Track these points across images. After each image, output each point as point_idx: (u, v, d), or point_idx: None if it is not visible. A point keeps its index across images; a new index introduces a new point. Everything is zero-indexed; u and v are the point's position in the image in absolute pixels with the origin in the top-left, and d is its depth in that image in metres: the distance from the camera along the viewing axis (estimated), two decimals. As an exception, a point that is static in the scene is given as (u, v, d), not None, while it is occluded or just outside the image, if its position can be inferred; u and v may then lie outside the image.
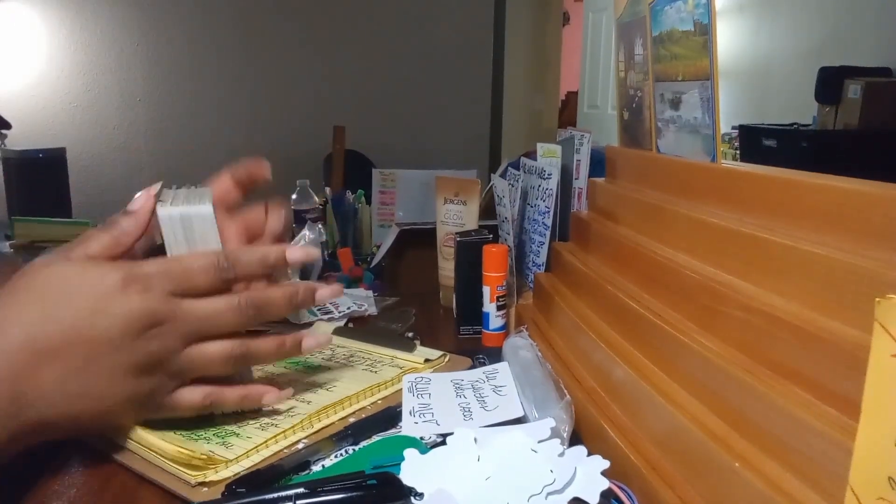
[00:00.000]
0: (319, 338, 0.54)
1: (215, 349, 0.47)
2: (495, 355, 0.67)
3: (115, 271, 0.43)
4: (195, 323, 0.45)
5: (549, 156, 0.86)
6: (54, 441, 0.51)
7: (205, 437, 0.50)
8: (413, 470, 0.44)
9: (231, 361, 0.48)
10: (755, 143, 2.59)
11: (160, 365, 0.45)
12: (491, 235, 0.78)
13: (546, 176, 0.82)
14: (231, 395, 0.50)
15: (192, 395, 0.47)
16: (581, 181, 0.85)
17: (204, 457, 0.45)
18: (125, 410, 0.46)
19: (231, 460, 0.47)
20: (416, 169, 1.24)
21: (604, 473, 0.42)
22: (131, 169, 2.74)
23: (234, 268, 0.47)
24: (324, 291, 0.52)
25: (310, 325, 0.79)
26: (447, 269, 0.87)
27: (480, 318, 0.75)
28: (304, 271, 1.00)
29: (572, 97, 4.84)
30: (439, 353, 0.68)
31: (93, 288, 0.43)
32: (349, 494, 0.40)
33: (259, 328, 0.55)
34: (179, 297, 0.45)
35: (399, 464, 0.44)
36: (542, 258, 0.82)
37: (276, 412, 0.54)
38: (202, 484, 0.44)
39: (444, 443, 0.47)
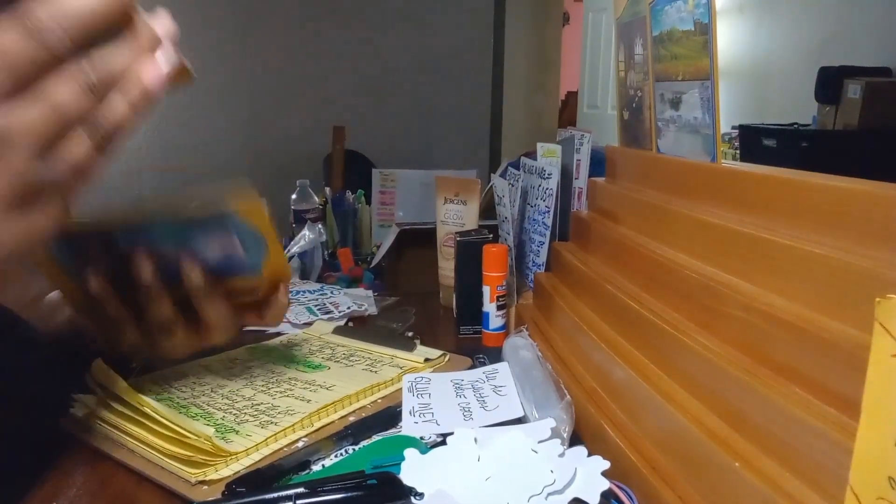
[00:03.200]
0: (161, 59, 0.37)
1: (72, 143, 0.35)
2: (495, 355, 0.67)
3: None
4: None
5: (549, 156, 0.86)
6: (54, 441, 0.51)
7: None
8: (413, 470, 0.44)
9: (96, 148, 0.35)
10: (755, 143, 2.59)
11: None
12: (491, 235, 0.78)
13: (546, 176, 0.82)
14: (115, 107, 0.36)
15: (72, 145, 0.35)
16: (581, 181, 0.85)
17: (208, 442, 0.45)
18: None
19: (232, 454, 0.47)
20: (416, 169, 1.24)
21: (604, 474, 0.42)
22: (130, 169, 2.74)
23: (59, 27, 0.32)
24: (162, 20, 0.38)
25: (310, 324, 0.79)
26: (447, 269, 0.87)
27: (480, 318, 0.75)
28: (305, 271, 1.00)
29: (572, 97, 4.84)
30: (439, 352, 0.68)
31: None
32: (349, 494, 0.40)
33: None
34: None
35: (399, 464, 0.44)
36: (542, 258, 0.82)
37: (275, 408, 0.54)
38: (202, 482, 0.44)
39: (444, 443, 0.47)
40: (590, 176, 0.82)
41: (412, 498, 0.41)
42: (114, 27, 0.35)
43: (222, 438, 0.49)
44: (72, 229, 0.47)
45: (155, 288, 0.49)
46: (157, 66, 0.37)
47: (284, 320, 0.80)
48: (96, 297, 0.50)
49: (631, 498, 0.41)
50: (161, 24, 0.38)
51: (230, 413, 0.54)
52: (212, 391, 0.58)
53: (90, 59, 0.34)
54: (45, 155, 0.34)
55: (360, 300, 0.87)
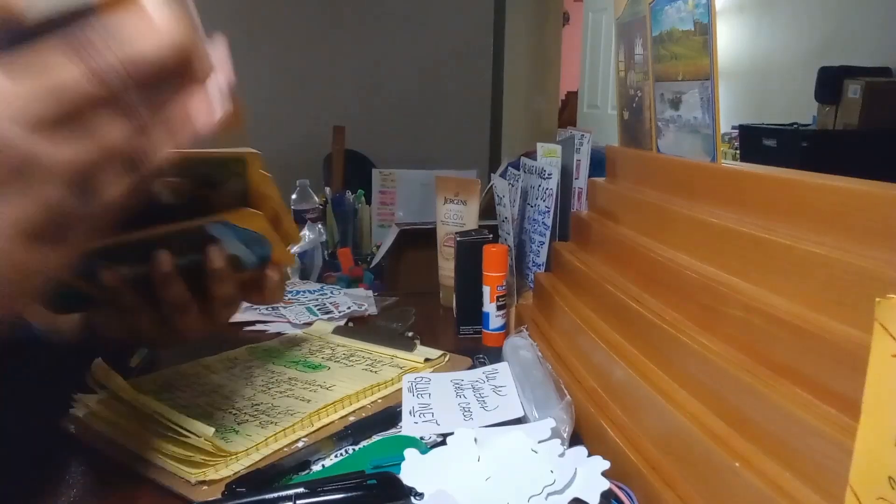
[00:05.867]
0: (212, 98, 0.36)
1: (108, 179, 0.33)
2: (495, 355, 0.67)
3: None
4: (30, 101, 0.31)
5: (549, 156, 0.86)
6: (54, 441, 0.51)
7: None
8: (413, 470, 0.44)
9: (126, 114, 0.33)
10: (755, 143, 2.59)
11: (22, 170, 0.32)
12: (491, 235, 0.78)
13: (546, 176, 0.82)
14: (156, 138, 0.35)
15: (107, 178, 0.33)
16: (581, 181, 0.85)
17: (208, 442, 0.45)
18: (24, 243, 0.33)
19: (232, 454, 0.47)
20: (416, 169, 1.24)
21: (604, 474, 0.42)
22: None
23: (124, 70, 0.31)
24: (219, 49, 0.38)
25: (310, 324, 0.79)
26: (447, 269, 0.87)
27: (480, 318, 0.75)
28: (305, 271, 1.00)
29: (572, 97, 4.84)
30: (439, 352, 0.68)
31: None
32: (349, 494, 0.40)
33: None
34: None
35: (399, 464, 0.44)
36: (542, 258, 0.82)
37: (275, 408, 0.54)
38: (202, 482, 0.44)
39: (444, 443, 0.47)
40: (590, 176, 0.82)
41: (412, 498, 0.41)
42: (177, 69, 0.34)
43: (222, 438, 0.49)
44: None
45: (172, 274, 0.49)
46: (211, 109, 0.36)
47: (284, 320, 0.81)
48: (109, 288, 0.50)
49: (631, 498, 0.41)
50: (220, 57, 0.37)
51: (230, 413, 0.54)
52: (212, 391, 0.58)
53: (146, 98, 0.33)
54: (81, 189, 0.33)
55: (360, 300, 0.87)
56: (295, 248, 0.99)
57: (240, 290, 0.54)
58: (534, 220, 0.85)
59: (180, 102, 0.35)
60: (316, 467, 0.48)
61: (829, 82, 2.47)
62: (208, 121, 0.35)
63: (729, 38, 3.24)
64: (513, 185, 0.86)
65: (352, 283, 0.98)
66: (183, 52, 0.34)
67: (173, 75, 0.34)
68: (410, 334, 0.75)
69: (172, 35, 0.33)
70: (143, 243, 0.48)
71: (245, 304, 0.84)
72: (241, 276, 0.53)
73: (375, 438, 0.52)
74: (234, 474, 0.45)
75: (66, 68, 0.31)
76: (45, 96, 0.31)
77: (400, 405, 0.56)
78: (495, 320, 0.74)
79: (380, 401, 0.58)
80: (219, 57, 0.37)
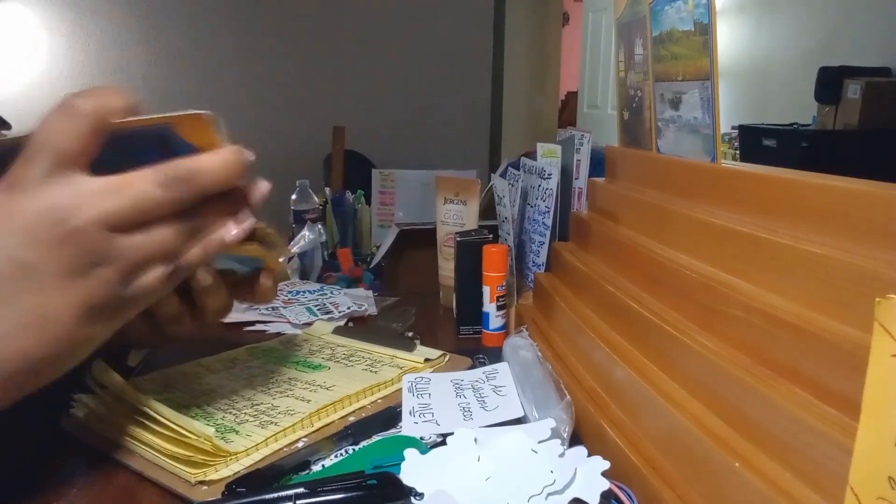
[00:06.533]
0: (240, 220, 0.44)
1: (153, 275, 0.40)
2: (495, 355, 0.67)
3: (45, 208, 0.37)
4: (105, 202, 0.38)
5: (549, 156, 0.86)
6: (54, 441, 0.51)
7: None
8: (413, 470, 0.44)
9: (177, 231, 0.41)
10: (755, 143, 2.59)
11: (94, 261, 0.38)
12: (491, 235, 0.78)
13: (546, 176, 0.82)
14: (194, 252, 0.42)
15: (152, 275, 0.41)
16: (581, 181, 0.85)
17: (208, 442, 0.45)
18: (82, 324, 0.39)
19: (232, 454, 0.47)
20: (416, 169, 1.24)
21: (604, 474, 0.42)
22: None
23: (188, 182, 0.40)
24: (263, 184, 0.46)
25: (310, 324, 0.79)
26: (447, 269, 0.87)
27: (480, 318, 0.75)
28: (304, 271, 1.00)
29: (572, 97, 4.85)
30: (439, 352, 0.68)
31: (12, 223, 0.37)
32: (349, 494, 0.40)
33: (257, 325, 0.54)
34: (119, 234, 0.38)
35: (399, 464, 0.44)
36: (542, 258, 0.82)
37: (275, 408, 0.54)
38: (202, 483, 0.44)
39: (444, 443, 0.47)
40: (590, 176, 0.83)
41: (412, 498, 0.41)
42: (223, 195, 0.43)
43: (222, 438, 0.49)
44: None
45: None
46: (241, 226, 0.44)
47: (284, 320, 0.81)
48: None
49: (631, 498, 0.41)
50: (258, 190, 0.45)
51: (230, 413, 0.54)
52: (212, 391, 0.58)
53: (196, 215, 0.41)
54: (130, 278, 0.40)
55: (360, 300, 0.87)
56: (295, 248, 0.99)
57: (231, 295, 0.54)
58: (534, 220, 0.85)
59: (221, 217, 0.43)
60: (316, 467, 0.48)
61: (829, 82, 2.47)
62: (236, 236, 0.44)
63: (729, 38, 3.24)
64: (513, 185, 0.86)
65: (352, 283, 0.98)
66: (237, 175, 0.42)
67: (220, 202, 0.43)
68: (410, 334, 0.75)
69: (232, 169, 0.42)
70: None
71: (245, 305, 0.84)
72: (234, 282, 0.53)
73: (375, 438, 0.52)
74: (234, 474, 0.45)
75: (146, 182, 0.39)
76: (124, 203, 0.38)
77: (400, 405, 0.56)
78: (495, 320, 0.74)
79: (380, 401, 0.58)
80: (262, 184, 0.46)
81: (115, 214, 0.38)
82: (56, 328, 0.38)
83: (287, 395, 0.57)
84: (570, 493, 0.41)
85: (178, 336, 0.53)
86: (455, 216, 0.87)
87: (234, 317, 0.82)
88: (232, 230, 0.43)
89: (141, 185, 0.39)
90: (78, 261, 0.37)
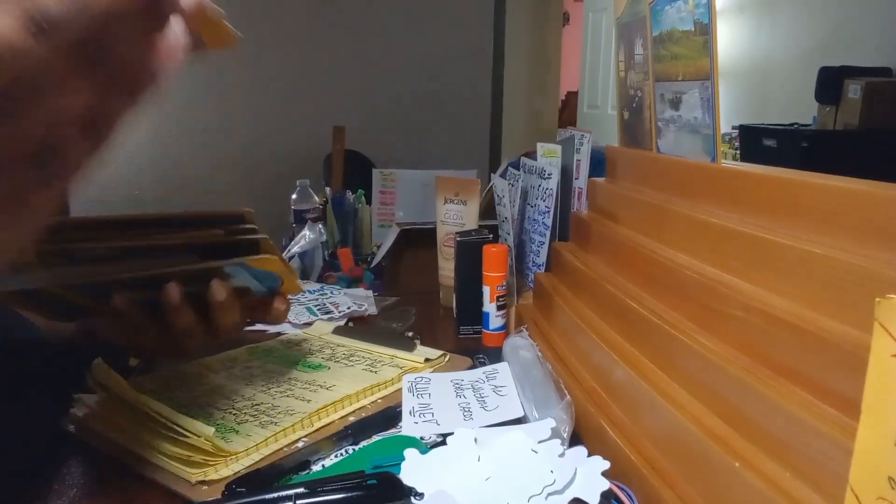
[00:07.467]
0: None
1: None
2: (495, 355, 0.67)
3: None
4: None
5: (549, 156, 0.86)
6: (54, 441, 0.51)
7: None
8: (413, 470, 0.44)
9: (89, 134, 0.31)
10: (755, 143, 2.59)
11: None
12: (491, 235, 0.78)
13: (546, 176, 0.82)
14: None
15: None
16: (581, 181, 0.85)
17: (208, 442, 0.45)
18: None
19: (232, 454, 0.47)
20: (416, 169, 1.24)
21: (604, 474, 0.42)
22: (131, 169, 2.74)
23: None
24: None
25: (310, 324, 0.79)
26: (447, 269, 0.87)
27: (480, 318, 0.75)
28: (305, 271, 1.00)
29: (572, 97, 4.84)
30: (439, 352, 0.68)
31: None
32: (349, 494, 0.40)
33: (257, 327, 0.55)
34: None
35: (399, 464, 0.44)
36: (542, 258, 0.82)
37: (275, 408, 0.54)
38: (202, 482, 0.44)
39: (444, 443, 0.47)
40: (590, 176, 0.82)
41: (412, 498, 0.41)
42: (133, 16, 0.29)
43: (222, 438, 0.49)
44: (98, 251, 0.49)
45: (181, 303, 0.51)
46: (174, 53, 0.31)
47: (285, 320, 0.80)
48: (120, 311, 0.51)
49: (631, 498, 0.41)
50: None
51: (230, 413, 0.54)
52: (212, 391, 0.58)
53: (101, 52, 0.29)
54: (39, 159, 0.29)
55: (360, 300, 0.87)
56: (295, 248, 0.99)
57: (246, 314, 0.55)
58: (534, 220, 0.85)
59: (143, 52, 0.30)
60: (316, 467, 0.48)
61: (830, 82, 2.47)
62: (172, 65, 0.31)
63: (729, 38, 3.24)
64: (513, 185, 0.86)
65: (352, 283, 0.98)
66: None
67: (130, 23, 0.29)
68: (410, 334, 0.75)
69: None
70: (157, 277, 0.49)
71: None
72: (248, 303, 0.55)
73: (375, 438, 0.52)
74: (234, 474, 0.45)
75: (4, 23, 0.25)
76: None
77: (400, 405, 0.56)
78: (495, 320, 0.74)
79: (380, 401, 0.58)
80: None
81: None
82: None
83: (287, 395, 0.57)
84: (570, 493, 0.41)
85: (189, 349, 0.54)
86: (455, 216, 0.87)
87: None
88: (165, 54, 0.31)
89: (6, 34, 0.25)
90: None
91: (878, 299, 0.24)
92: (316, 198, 1.13)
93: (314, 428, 0.52)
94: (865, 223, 0.34)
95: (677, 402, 0.41)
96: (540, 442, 0.46)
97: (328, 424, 0.53)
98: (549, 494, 0.41)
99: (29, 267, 0.46)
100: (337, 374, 0.62)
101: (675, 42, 0.52)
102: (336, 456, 0.49)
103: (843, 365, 0.31)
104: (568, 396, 0.52)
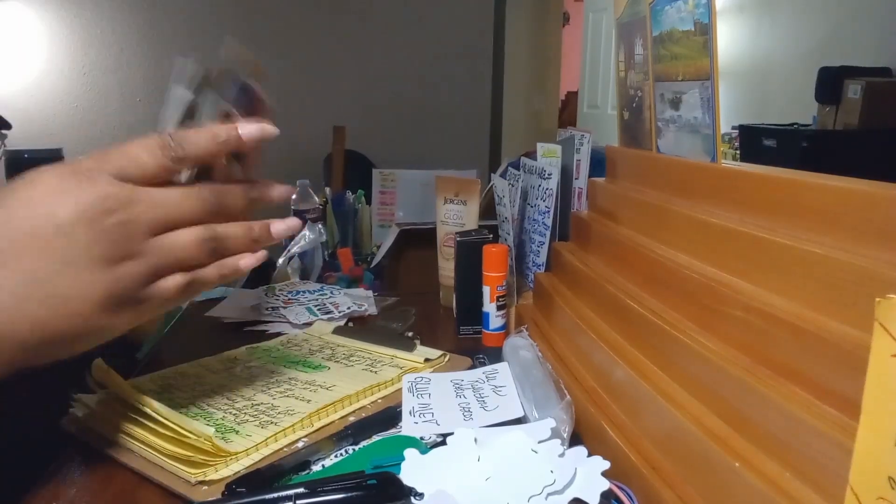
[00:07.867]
0: (289, 222, 0.50)
1: (184, 234, 0.44)
2: (495, 355, 0.67)
3: (59, 168, 0.41)
4: (154, 208, 0.42)
5: (549, 156, 0.86)
6: (54, 441, 0.51)
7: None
8: (413, 470, 0.44)
9: (202, 245, 0.45)
10: (755, 143, 2.59)
11: (127, 255, 0.41)
12: (491, 235, 0.78)
13: (546, 176, 0.82)
14: (210, 271, 0.46)
15: (172, 281, 0.44)
16: (581, 181, 0.85)
17: (208, 442, 0.45)
18: (101, 311, 0.41)
19: (232, 454, 0.47)
20: (416, 169, 1.24)
21: (604, 474, 0.42)
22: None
23: (181, 146, 0.43)
24: (279, 225, 0.50)
25: (310, 324, 0.79)
26: (447, 269, 0.87)
27: (480, 318, 0.75)
28: (305, 271, 1.00)
29: (572, 97, 4.84)
30: (439, 352, 0.68)
31: (45, 186, 0.40)
32: (349, 494, 0.40)
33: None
34: (132, 183, 0.42)
35: (399, 464, 0.44)
36: (542, 258, 0.82)
37: (275, 408, 0.54)
38: (202, 483, 0.44)
39: (444, 443, 0.47)
40: (590, 176, 0.82)
41: (412, 498, 0.41)
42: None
43: (222, 438, 0.49)
44: None
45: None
46: (255, 257, 0.48)
47: (284, 320, 0.81)
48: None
49: (631, 498, 0.41)
50: (280, 227, 0.50)
51: (230, 413, 0.54)
52: (212, 391, 0.58)
53: (223, 227, 0.46)
54: (153, 279, 0.43)
55: (360, 300, 0.87)
56: (295, 248, 0.99)
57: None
58: (534, 220, 0.85)
59: (241, 244, 0.47)
60: (316, 467, 0.48)
61: (829, 82, 2.47)
62: (248, 265, 0.48)
63: (729, 38, 3.24)
64: (513, 185, 0.86)
65: (352, 283, 0.98)
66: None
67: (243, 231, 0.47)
68: (410, 334, 0.75)
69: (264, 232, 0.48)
70: None
71: (245, 305, 0.84)
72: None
73: (375, 438, 0.52)
74: (234, 474, 0.45)
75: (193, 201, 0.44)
76: (169, 211, 0.43)
77: (400, 405, 0.56)
78: (495, 320, 0.74)
79: (380, 401, 0.58)
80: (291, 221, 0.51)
81: (159, 220, 0.42)
82: (76, 307, 0.40)
83: (287, 395, 0.57)
84: (570, 493, 0.41)
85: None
86: (455, 216, 0.87)
87: (234, 317, 0.82)
88: (247, 259, 0.48)
89: (177, 191, 0.44)
90: (115, 250, 0.40)
91: (878, 299, 0.24)
92: (316, 198, 1.13)
93: (314, 428, 0.52)
94: (865, 223, 0.34)
95: (677, 401, 0.41)
96: (540, 442, 0.46)
97: (328, 424, 0.53)
98: (549, 494, 0.41)
99: None
100: (337, 375, 0.62)
101: (675, 42, 0.52)
102: (336, 456, 0.49)
103: (843, 365, 0.31)
104: (568, 396, 0.52)
